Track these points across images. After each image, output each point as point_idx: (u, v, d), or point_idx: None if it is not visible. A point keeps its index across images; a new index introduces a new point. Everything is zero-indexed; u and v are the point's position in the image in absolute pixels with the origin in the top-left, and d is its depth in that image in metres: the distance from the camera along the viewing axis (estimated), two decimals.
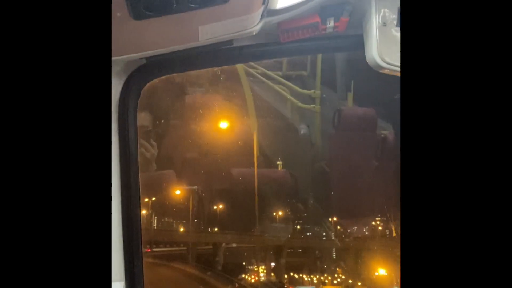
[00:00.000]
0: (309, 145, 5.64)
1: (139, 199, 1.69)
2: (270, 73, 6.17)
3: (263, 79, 6.18)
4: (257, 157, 4.61)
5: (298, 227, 4.75)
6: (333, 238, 4.78)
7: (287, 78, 6.55)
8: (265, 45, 1.62)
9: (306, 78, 6.76)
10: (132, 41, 1.36)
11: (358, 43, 1.59)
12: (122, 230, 1.64)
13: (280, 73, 6.45)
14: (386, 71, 1.55)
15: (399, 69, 1.52)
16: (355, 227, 4.69)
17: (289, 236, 4.66)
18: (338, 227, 4.82)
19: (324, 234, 4.76)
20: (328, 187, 4.96)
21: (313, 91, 6.14)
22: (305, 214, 4.75)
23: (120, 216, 1.63)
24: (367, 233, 4.69)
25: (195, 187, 4.31)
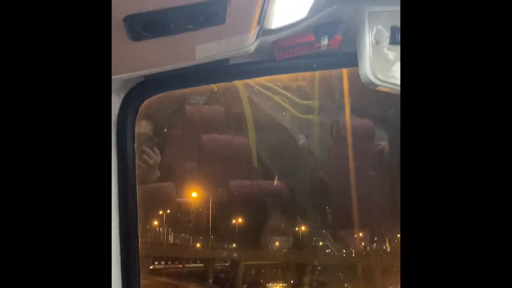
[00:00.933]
0: (307, 155, 5.66)
1: (137, 214, 1.71)
2: (269, 83, 6.21)
3: (262, 89, 6.21)
4: (255, 168, 4.63)
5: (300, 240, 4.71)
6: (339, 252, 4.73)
7: (286, 88, 6.58)
8: (261, 63, 1.65)
9: (305, 88, 6.80)
10: (130, 60, 1.39)
11: (352, 60, 1.62)
12: (120, 247, 1.65)
13: (279, 83, 6.49)
14: (379, 88, 1.58)
15: (392, 86, 1.56)
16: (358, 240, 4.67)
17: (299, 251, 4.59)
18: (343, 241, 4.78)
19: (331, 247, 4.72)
20: (327, 197, 4.97)
21: (311, 101, 6.17)
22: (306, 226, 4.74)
23: (118, 233, 1.64)
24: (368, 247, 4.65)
25: (190, 199, 4.33)
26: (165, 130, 4.64)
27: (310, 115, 6.28)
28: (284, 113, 6.35)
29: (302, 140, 5.77)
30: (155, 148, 3.30)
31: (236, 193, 4.26)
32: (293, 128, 6.22)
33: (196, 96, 4.91)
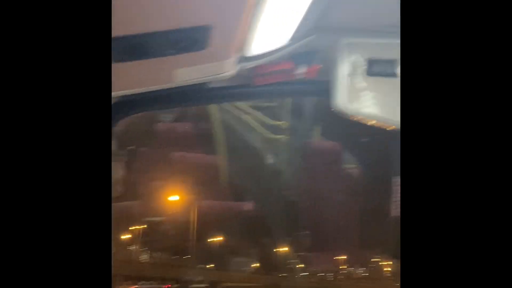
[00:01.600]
0: (276, 175, 5.70)
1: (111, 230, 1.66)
2: (240, 103, 6.25)
3: (233, 109, 6.25)
4: (224, 188, 4.60)
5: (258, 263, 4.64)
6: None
7: (257, 108, 6.65)
8: (239, 88, 1.66)
9: (275, 109, 6.87)
10: None
11: (327, 89, 1.65)
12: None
13: (250, 103, 6.55)
14: (351, 118, 1.61)
15: (364, 116, 1.59)
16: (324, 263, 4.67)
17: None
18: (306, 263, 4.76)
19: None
20: (295, 218, 5.00)
21: (282, 122, 6.25)
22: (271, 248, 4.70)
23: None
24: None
25: (161, 218, 4.24)
26: (133, 147, 4.56)
27: (280, 136, 6.35)
28: (254, 133, 6.39)
29: (270, 160, 5.81)
30: (117, 166, 3.25)
31: (206, 213, 4.22)
32: (263, 148, 6.26)
33: (166, 114, 4.87)
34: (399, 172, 1.66)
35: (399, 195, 1.64)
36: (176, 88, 1.49)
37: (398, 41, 1.60)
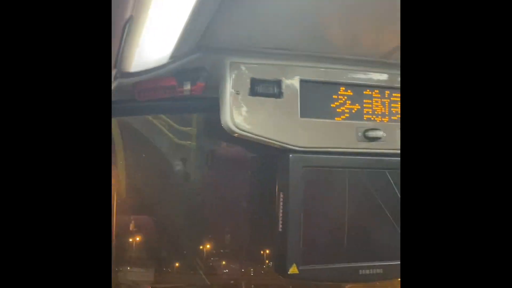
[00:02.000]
0: (183, 182, 5.61)
1: None
2: None
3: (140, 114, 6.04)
4: (124, 200, 4.44)
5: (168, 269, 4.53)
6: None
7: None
8: (121, 102, 1.60)
9: (184, 114, 6.78)
10: None
11: (215, 105, 1.65)
12: None
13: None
14: (239, 136, 1.63)
15: (250, 135, 1.62)
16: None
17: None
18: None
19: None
20: (202, 223, 4.96)
21: (190, 128, 6.18)
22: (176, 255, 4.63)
23: None
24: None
25: None
26: None
27: (188, 142, 6.28)
28: (162, 138, 6.25)
29: (178, 166, 5.72)
30: None
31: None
32: (170, 154, 6.14)
33: None
34: (283, 189, 1.71)
35: (282, 210, 1.69)
36: None
37: (281, 62, 1.66)
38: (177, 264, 4.61)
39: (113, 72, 1.37)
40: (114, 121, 4.86)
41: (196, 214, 5.09)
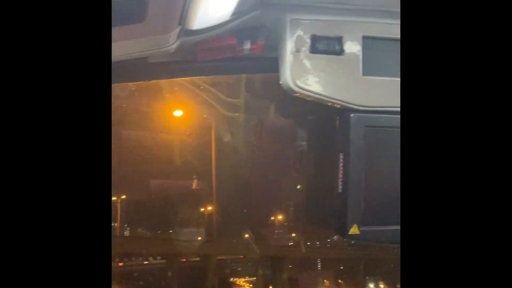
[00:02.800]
0: (231, 153, 5.68)
1: None
2: (197, 80, 6.14)
3: (189, 85, 6.12)
4: (180, 166, 4.55)
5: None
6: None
7: (215, 84, 6.55)
8: (182, 63, 1.62)
9: (232, 86, 6.80)
10: None
11: (274, 65, 1.64)
12: None
13: (208, 80, 6.44)
14: (298, 95, 1.61)
15: (310, 93, 1.59)
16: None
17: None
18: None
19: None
20: (249, 196, 5.03)
21: (237, 99, 6.19)
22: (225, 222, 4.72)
23: None
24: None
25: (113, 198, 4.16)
26: None
27: (236, 113, 6.31)
28: (209, 110, 6.32)
29: (226, 138, 5.79)
30: None
31: (157, 193, 4.17)
32: (219, 126, 6.22)
33: (116, 91, 4.72)
34: (343, 150, 1.68)
35: (341, 171, 1.67)
36: (115, 63, 1.43)
37: (342, 18, 1.61)
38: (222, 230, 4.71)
39: (177, 30, 1.38)
40: (168, 92, 4.97)
41: (244, 183, 5.15)
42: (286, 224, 4.69)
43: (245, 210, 4.77)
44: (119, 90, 4.57)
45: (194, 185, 4.44)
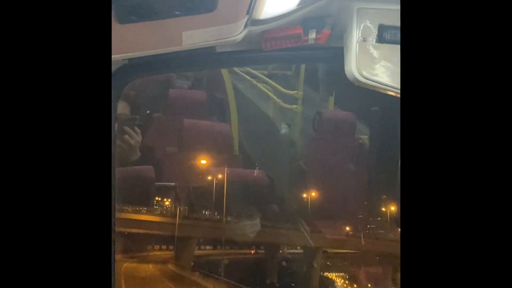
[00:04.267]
0: (288, 145, 5.67)
1: (114, 196, 1.70)
2: (254, 71, 6.18)
3: (247, 77, 6.18)
4: (236, 155, 4.62)
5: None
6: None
7: (272, 76, 6.57)
8: (247, 52, 1.65)
9: (290, 78, 6.79)
10: (115, 43, 1.37)
11: (339, 55, 1.63)
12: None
13: (265, 71, 6.47)
14: (363, 85, 1.59)
15: (376, 84, 1.57)
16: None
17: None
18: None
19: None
20: (305, 187, 5.01)
21: (295, 91, 6.17)
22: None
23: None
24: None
25: (173, 184, 4.29)
26: (148, 112, 4.59)
27: (294, 105, 6.30)
28: (267, 102, 6.36)
29: (284, 129, 5.80)
30: (136, 128, 3.28)
31: (216, 180, 4.26)
32: (276, 117, 6.23)
33: (181, 80, 4.85)
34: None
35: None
36: (184, 51, 1.49)
37: None
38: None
39: (244, 19, 1.41)
40: (228, 83, 5.05)
41: (300, 175, 5.15)
42: (344, 217, 4.63)
43: (306, 201, 4.77)
44: (184, 79, 4.69)
45: (254, 174, 4.50)
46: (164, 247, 4.66)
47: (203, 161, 4.33)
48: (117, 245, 1.73)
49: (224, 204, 4.22)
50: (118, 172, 1.73)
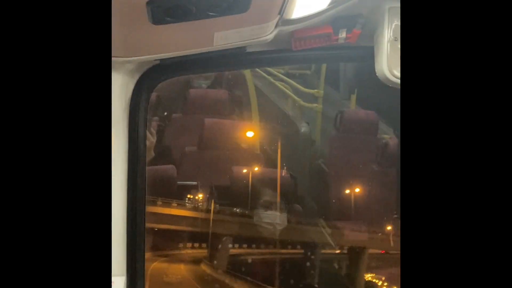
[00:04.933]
0: (309, 144, 5.65)
1: (145, 196, 1.72)
2: (273, 70, 6.18)
3: (266, 75, 6.18)
4: (257, 154, 4.63)
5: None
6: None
7: (290, 76, 6.56)
8: (277, 52, 1.64)
9: (309, 77, 6.77)
10: (147, 43, 1.39)
11: (369, 54, 1.61)
12: (126, 226, 1.67)
13: (282, 70, 6.46)
14: (394, 85, 1.58)
15: None
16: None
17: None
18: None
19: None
20: (325, 187, 4.99)
21: (316, 90, 6.15)
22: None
23: (125, 213, 1.65)
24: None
25: (195, 183, 4.33)
26: (165, 113, 4.63)
27: (314, 104, 6.28)
28: (287, 101, 6.35)
29: (304, 128, 5.79)
30: (151, 129, 3.31)
31: (239, 180, 4.28)
32: (295, 116, 6.23)
33: (200, 80, 4.89)
34: None
35: None
36: (215, 52, 1.50)
37: None
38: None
39: (275, 19, 1.41)
40: (250, 82, 5.06)
41: (319, 174, 5.13)
42: (365, 218, 4.60)
43: (324, 200, 4.75)
44: (203, 79, 4.72)
45: (274, 173, 4.50)
46: (196, 245, 4.55)
47: (226, 159, 4.35)
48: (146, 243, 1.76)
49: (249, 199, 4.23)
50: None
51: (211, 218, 4.25)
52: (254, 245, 4.40)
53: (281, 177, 4.43)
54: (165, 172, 3.92)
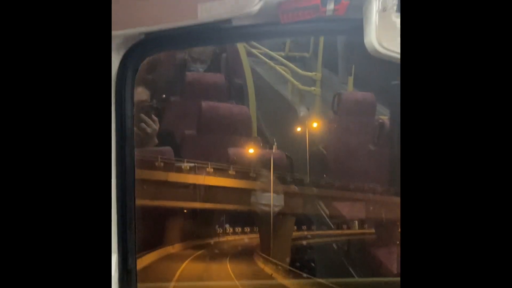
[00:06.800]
0: (307, 127, 5.62)
1: (134, 174, 1.71)
2: (272, 53, 6.14)
3: (265, 59, 6.14)
4: (255, 138, 4.62)
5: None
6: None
7: (289, 59, 6.51)
8: (264, 25, 1.62)
9: (308, 60, 6.72)
10: (130, 15, 1.37)
11: (358, 27, 1.59)
12: (116, 203, 1.66)
13: (282, 53, 6.42)
14: (383, 57, 1.55)
15: (397, 55, 1.53)
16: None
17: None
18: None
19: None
20: (324, 170, 4.99)
21: (314, 73, 6.11)
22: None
23: (115, 190, 1.65)
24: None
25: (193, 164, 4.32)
26: (164, 96, 4.61)
27: (312, 87, 6.24)
28: (286, 84, 6.31)
29: (303, 112, 5.76)
30: (153, 116, 3.27)
31: (235, 162, 4.28)
32: (294, 100, 6.19)
33: (197, 64, 4.85)
34: None
35: None
36: (200, 25, 1.47)
37: None
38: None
39: None
40: (246, 64, 5.02)
41: (319, 158, 5.12)
42: (362, 199, 4.61)
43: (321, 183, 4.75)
44: (199, 63, 4.68)
45: (272, 155, 4.50)
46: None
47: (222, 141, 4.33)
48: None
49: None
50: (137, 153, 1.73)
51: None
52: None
53: (277, 158, 4.42)
54: (161, 154, 3.92)
